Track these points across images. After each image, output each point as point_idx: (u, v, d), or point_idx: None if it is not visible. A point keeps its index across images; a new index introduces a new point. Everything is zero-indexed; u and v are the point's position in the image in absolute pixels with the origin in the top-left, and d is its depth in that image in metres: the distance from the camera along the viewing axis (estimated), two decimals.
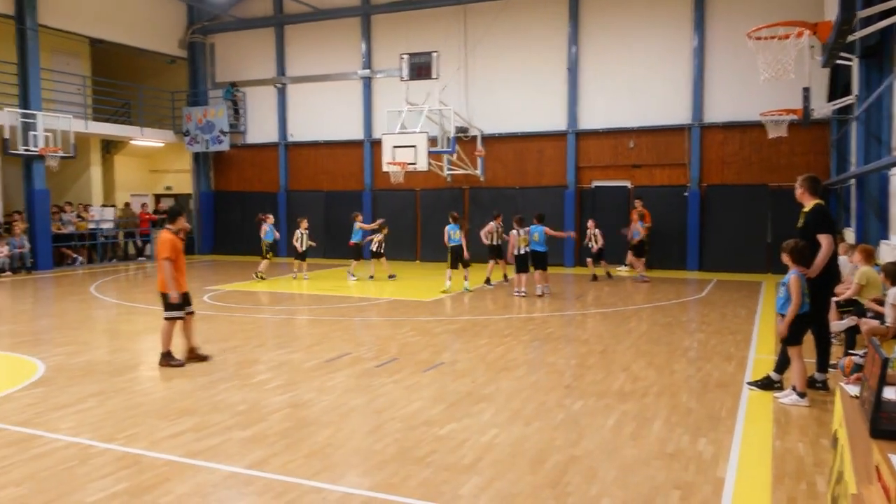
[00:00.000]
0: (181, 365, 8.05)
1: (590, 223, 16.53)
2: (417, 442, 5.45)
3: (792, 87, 14.27)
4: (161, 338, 8.12)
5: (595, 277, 16.27)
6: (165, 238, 8.05)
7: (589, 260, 16.52)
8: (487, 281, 15.21)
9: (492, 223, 15.37)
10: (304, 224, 16.34)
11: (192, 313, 8.35)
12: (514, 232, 13.68)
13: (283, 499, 4.44)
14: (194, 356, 8.25)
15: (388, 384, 7.18)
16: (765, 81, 9.77)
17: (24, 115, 18.26)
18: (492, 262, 15.33)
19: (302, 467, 4.96)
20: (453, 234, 14.31)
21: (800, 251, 6.46)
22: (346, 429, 5.80)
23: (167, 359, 8.07)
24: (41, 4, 18.92)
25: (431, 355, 8.54)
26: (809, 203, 6.89)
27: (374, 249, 16.07)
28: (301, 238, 16.19)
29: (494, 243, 15.33)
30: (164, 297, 8.12)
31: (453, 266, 14.37)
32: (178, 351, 8.23)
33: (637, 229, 16.34)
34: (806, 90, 13.08)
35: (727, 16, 17.68)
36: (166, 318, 8.11)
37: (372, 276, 16.35)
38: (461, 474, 4.81)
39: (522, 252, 13.59)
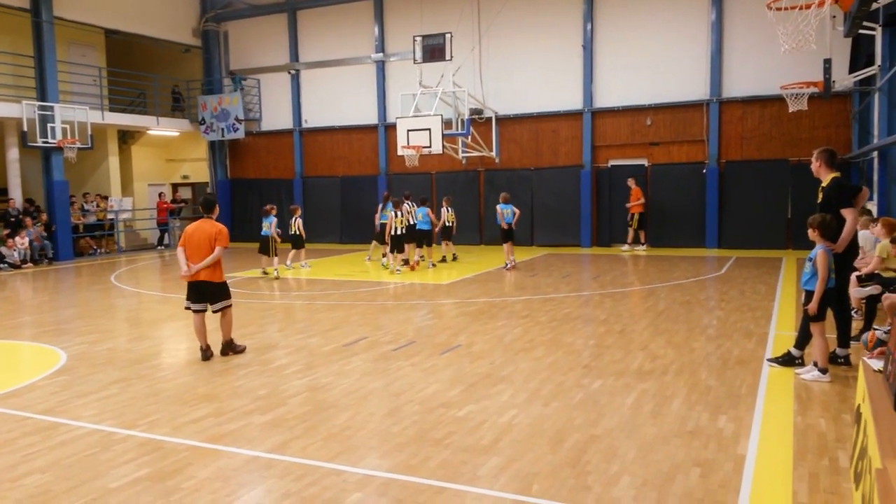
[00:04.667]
0: (244, 350, 8.05)
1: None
2: (436, 424, 5.46)
3: (812, 58, 14.02)
4: (223, 328, 7.91)
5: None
6: (222, 228, 7.76)
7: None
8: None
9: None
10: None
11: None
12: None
13: (303, 481, 4.47)
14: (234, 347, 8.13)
15: (406, 367, 7.20)
16: (785, 53, 9.60)
17: (42, 108, 18.40)
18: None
19: (321, 450, 4.99)
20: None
21: (827, 225, 6.33)
22: (365, 412, 5.82)
23: (232, 347, 7.98)
24: None
25: (448, 338, 8.54)
26: (827, 177, 6.78)
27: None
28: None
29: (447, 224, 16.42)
30: (221, 286, 7.85)
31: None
32: (214, 342, 8.03)
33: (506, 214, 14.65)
34: (827, 61, 12.83)
35: None
36: (228, 307, 7.90)
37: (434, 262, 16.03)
38: (480, 455, 4.82)
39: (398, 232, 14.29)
